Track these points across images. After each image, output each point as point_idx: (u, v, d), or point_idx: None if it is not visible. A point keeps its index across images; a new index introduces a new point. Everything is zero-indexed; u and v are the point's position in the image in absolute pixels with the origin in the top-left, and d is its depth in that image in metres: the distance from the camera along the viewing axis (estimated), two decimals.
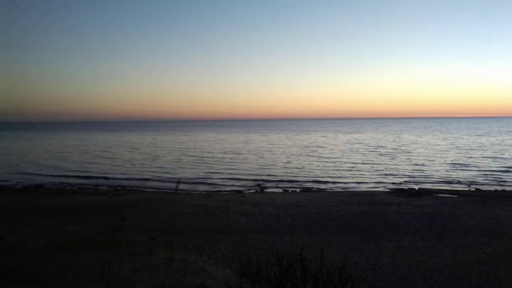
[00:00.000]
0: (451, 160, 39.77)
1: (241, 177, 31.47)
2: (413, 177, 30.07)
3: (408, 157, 43.40)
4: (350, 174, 31.92)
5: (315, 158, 44.66)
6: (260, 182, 28.88)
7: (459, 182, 27.56)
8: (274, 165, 38.77)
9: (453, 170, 33.18)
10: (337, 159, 42.49)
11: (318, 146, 62.21)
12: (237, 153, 51.97)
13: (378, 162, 39.20)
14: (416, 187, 25.14)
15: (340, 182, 28.38)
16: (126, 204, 18.58)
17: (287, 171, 34.48)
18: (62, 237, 9.67)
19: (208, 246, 10.99)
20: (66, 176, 32.88)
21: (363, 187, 26.12)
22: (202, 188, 26.83)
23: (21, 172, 35.50)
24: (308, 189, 25.65)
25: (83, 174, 33.84)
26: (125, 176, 32.54)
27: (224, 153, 52.62)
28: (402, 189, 24.09)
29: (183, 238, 12.02)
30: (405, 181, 28.14)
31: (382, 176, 30.59)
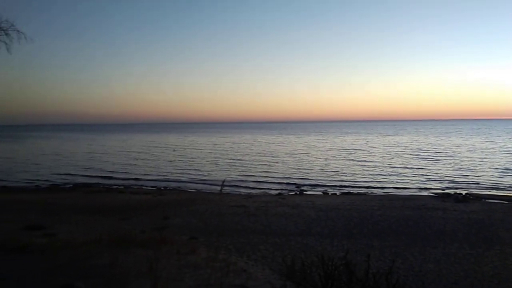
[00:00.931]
0: (500, 165, 37.80)
1: (280, 179, 31.48)
2: (459, 181, 28.88)
3: (453, 161, 41.69)
4: (392, 178, 31.09)
5: (355, 161, 43.89)
6: (299, 184, 28.76)
7: (510, 188, 26.18)
8: (313, 167, 38.47)
9: (503, 175, 31.52)
10: (377, 162, 41.54)
11: (357, 149, 61.03)
12: (275, 155, 52.00)
13: (421, 166, 37.93)
14: (463, 192, 24.12)
15: (381, 186, 27.74)
16: (169, 204, 19.07)
17: (326, 173, 34.11)
18: (110, 234, 10.04)
19: (248, 247, 11.07)
20: (111, 176, 34.24)
21: (406, 191, 25.38)
22: (241, 189, 27.08)
23: (68, 172, 37.30)
24: (348, 192, 25.25)
25: (128, 174, 35.12)
26: (168, 177, 33.43)
27: (262, 155, 52.81)
28: (448, 194, 23.19)
29: (223, 239, 12.19)
30: (450, 186, 27.08)
31: (425, 180, 29.60)
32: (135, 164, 43.13)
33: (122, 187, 27.98)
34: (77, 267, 7.72)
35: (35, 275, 7.37)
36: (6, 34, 6.60)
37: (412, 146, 65.93)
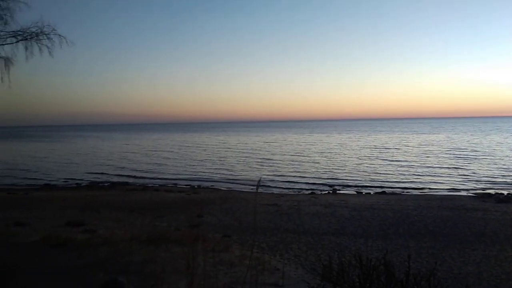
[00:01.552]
0: None
1: (313, 178, 31.27)
2: (500, 181, 27.71)
3: (493, 160, 40.01)
4: (428, 178, 30.22)
5: (388, 160, 42.95)
6: (332, 184, 28.47)
7: None
8: (346, 166, 37.97)
9: None
10: (412, 161, 40.48)
11: (391, 148, 59.65)
12: (307, 154, 51.69)
13: (458, 165, 36.61)
14: (505, 192, 23.12)
15: (417, 186, 27.01)
16: (202, 202, 19.34)
17: (360, 172, 33.58)
18: (146, 231, 10.31)
19: (281, 245, 11.08)
20: (146, 175, 35.10)
21: (443, 191, 24.61)
22: (273, 188, 27.10)
23: (106, 171, 38.53)
24: (383, 192, 24.75)
25: (161, 173, 35.89)
26: (201, 176, 33.91)
27: (294, 154, 52.61)
28: (488, 194, 22.30)
29: (256, 237, 12.24)
30: (491, 186, 26.02)
31: (463, 180, 28.58)
32: (165, 164, 43.97)
33: (157, 185, 28.61)
34: (116, 263, 7.97)
35: (76, 270, 7.67)
36: (48, 38, 6.90)
37: (449, 144, 63.76)
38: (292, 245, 11.11)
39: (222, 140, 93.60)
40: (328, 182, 29.03)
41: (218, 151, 60.19)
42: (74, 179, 32.96)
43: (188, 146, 72.27)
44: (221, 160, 45.97)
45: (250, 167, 39.21)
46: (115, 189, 25.80)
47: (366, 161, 42.25)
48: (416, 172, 33.25)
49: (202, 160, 46.28)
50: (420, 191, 25.15)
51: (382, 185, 27.60)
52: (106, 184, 29.78)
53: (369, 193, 24.51)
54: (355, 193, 24.86)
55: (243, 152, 56.03)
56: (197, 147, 70.74)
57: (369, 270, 2.79)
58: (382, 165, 38.16)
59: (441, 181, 28.54)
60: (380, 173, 32.88)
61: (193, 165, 41.48)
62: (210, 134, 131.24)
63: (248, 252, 9.77)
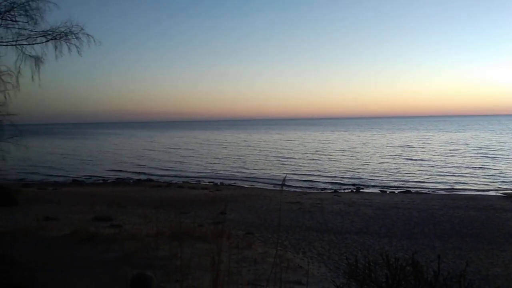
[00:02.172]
0: None
1: (335, 176, 31.03)
2: None
3: None
4: (454, 178, 29.49)
5: (413, 159, 42.11)
6: (355, 182, 28.17)
7: None
8: (369, 164, 37.49)
9: None
10: (438, 160, 39.61)
11: (415, 146, 58.42)
12: (329, 152, 51.31)
13: (486, 165, 35.58)
14: None
15: (442, 185, 26.43)
16: (225, 199, 19.48)
17: (383, 171, 33.10)
18: (171, 227, 10.47)
19: (303, 244, 11.06)
20: (169, 172, 35.60)
21: (470, 191, 23.98)
22: (296, 186, 27.03)
23: (131, 169, 39.26)
24: (407, 191, 24.34)
25: (185, 170, 36.32)
26: (223, 173, 34.14)
27: (316, 151, 52.29)
28: None
29: (279, 234, 12.26)
30: None
31: (491, 180, 27.77)
32: (188, 162, 44.47)
33: (180, 182, 28.96)
34: (142, 257, 8.13)
35: (104, 263, 7.87)
36: (77, 37, 7.07)
37: (476, 143, 61.97)
38: (315, 244, 11.08)
39: (243, 138, 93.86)
40: (351, 181, 28.74)
41: (239, 148, 60.43)
42: (100, 176, 33.72)
43: (210, 144, 72.83)
44: (242, 158, 46.14)
45: (272, 165, 39.22)
46: (140, 186, 26.30)
47: (389, 160, 41.60)
48: (442, 171, 32.53)
49: (224, 158, 46.59)
50: (446, 190, 24.60)
51: (407, 184, 27.14)
52: (131, 180, 30.36)
53: (394, 192, 24.13)
54: (379, 192, 24.53)
55: (265, 150, 56.07)
56: (218, 144, 71.25)
57: (396, 270, 2.75)
58: (406, 164, 37.50)
59: (468, 181, 27.83)
60: (405, 172, 32.33)
61: (215, 163, 41.81)
62: (232, 132, 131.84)
63: (271, 249, 9.80)
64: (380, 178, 29.59)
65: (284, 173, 30.65)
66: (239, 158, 45.79)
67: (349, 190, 25.19)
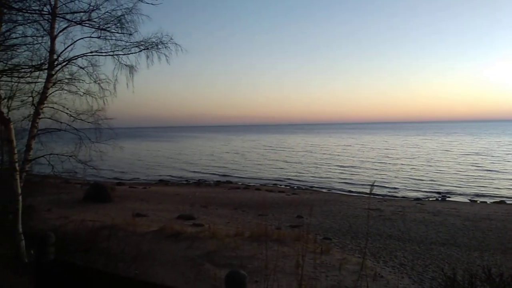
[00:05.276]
0: None
1: (418, 183, 29.42)
2: None
3: None
4: None
5: (502, 166, 38.14)
6: (440, 190, 26.43)
7: None
8: (456, 172, 34.84)
9: None
10: None
11: (500, 154, 52.59)
12: (410, 157, 48.75)
13: None
14: None
15: None
16: (302, 203, 19.46)
17: (471, 179, 30.59)
18: (249, 228, 10.74)
19: (384, 252, 10.67)
20: (245, 174, 36.41)
21: None
22: (375, 192, 26.07)
23: (210, 171, 40.84)
24: (502, 201, 22.24)
25: (260, 172, 36.90)
26: (301, 176, 34.09)
27: (395, 157, 49.97)
28: None
29: (357, 242, 11.96)
30: None
31: None
32: (263, 164, 45.02)
33: (258, 185, 29.49)
34: (222, 256, 8.47)
35: (188, 260, 8.33)
36: (166, 47, 7.58)
37: None
38: (397, 253, 10.63)
39: (316, 142, 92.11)
40: (434, 189, 26.99)
41: (315, 153, 59.76)
42: (183, 177, 35.52)
43: (282, 149, 72.90)
44: (318, 162, 45.63)
45: (348, 170, 38.24)
46: (219, 187, 27.29)
47: (477, 167, 38.17)
48: None
49: (299, 162, 46.45)
50: None
51: (499, 193, 24.79)
52: (212, 182, 31.60)
53: (485, 202, 22.22)
54: (468, 201, 22.76)
55: (339, 155, 54.67)
56: (290, 149, 71.10)
57: (499, 285, 2.55)
58: (498, 172, 34.23)
59: None
60: (497, 180, 29.58)
61: (291, 167, 41.88)
62: (305, 136, 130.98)
63: (349, 256, 9.60)
64: (467, 186, 27.40)
65: (373, 179, 29.72)
66: (315, 162, 45.36)
67: (434, 199, 23.70)
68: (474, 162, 42.56)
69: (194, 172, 38.62)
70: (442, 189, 26.84)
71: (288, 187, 28.87)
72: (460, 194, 25.06)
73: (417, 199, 23.20)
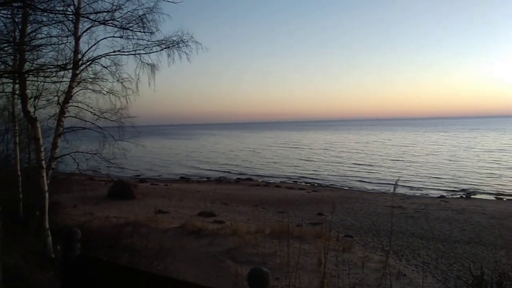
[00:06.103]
0: None
1: (441, 180, 28.80)
2: None
3: None
4: None
5: None
6: (464, 187, 25.82)
7: None
8: (479, 169, 33.93)
9: None
10: None
11: None
12: (433, 154, 47.79)
13: None
14: None
15: None
16: (322, 200, 19.33)
17: (496, 176, 29.75)
18: (269, 225, 10.75)
19: (407, 250, 10.52)
20: (263, 171, 36.43)
21: None
22: (397, 189, 25.63)
23: (228, 169, 41.00)
24: None
25: (279, 170, 36.83)
26: (320, 174, 33.86)
27: (417, 154, 49.06)
28: None
29: (379, 239, 11.83)
30: None
31: None
32: (283, 162, 44.90)
33: (278, 182, 29.43)
34: (243, 253, 8.50)
35: (209, 256, 8.41)
36: (186, 45, 7.63)
37: None
38: (420, 251, 10.47)
39: (334, 139, 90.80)
40: (458, 186, 26.36)
41: (333, 150, 59.18)
42: (204, 174, 35.75)
43: (300, 146, 72.42)
44: (337, 159, 45.21)
45: (369, 167, 37.77)
46: (240, 184, 27.37)
47: (497, 164, 37.02)
48: None
49: (318, 159, 46.12)
50: None
51: None
52: (232, 179, 31.72)
53: None
54: (494, 199, 22.17)
55: (359, 152, 53.90)
56: (307, 146, 70.58)
57: None
58: None
59: None
60: None
61: (311, 164, 41.64)
62: (323, 133, 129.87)
63: (371, 254, 9.49)
64: (492, 184, 26.66)
65: (397, 177, 29.30)
66: (334, 159, 44.95)
67: (458, 196, 23.17)
68: (498, 159, 41.39)
69: (213, 170, 38.79)
70: (466, 186, 26.21)
71: (308, 184, 28.70)
72: (484, 192, 24.41)
73: (441, 196, 22.74)
